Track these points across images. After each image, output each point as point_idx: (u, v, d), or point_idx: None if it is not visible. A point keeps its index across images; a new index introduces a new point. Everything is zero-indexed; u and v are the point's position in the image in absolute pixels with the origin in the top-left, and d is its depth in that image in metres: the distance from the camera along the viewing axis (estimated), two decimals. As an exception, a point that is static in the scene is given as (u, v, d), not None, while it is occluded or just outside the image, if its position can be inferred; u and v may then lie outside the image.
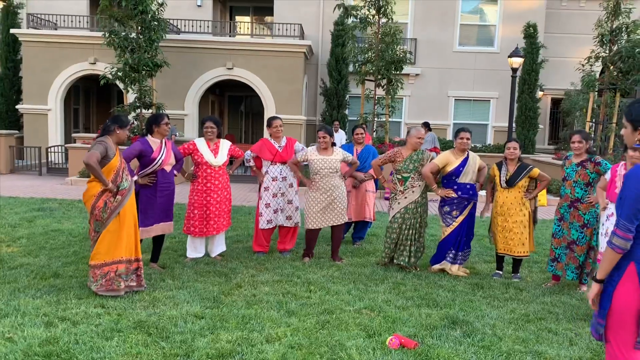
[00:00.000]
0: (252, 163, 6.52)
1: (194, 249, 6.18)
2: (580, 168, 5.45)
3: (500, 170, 5.84)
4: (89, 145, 5.00)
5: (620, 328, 2.66)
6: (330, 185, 6.10)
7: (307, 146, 14.16)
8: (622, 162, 4.92)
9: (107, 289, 4.74)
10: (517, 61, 14.31)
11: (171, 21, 16.36)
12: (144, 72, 13.60)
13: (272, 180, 6.38)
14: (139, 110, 13.89)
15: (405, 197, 5.95)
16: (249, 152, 6.53)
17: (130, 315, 4.32)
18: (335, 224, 6.22)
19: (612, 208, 5.00)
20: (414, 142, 6.00)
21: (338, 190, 6.15)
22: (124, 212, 4.78)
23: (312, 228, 6.19)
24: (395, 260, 6.05)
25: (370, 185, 7.17)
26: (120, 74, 13.41)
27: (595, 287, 2.67)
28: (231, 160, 6.51)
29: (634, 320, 2.62)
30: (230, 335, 3.98)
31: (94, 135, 17.05)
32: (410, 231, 5.94)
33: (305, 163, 6.28)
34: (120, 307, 4.51)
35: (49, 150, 15.36)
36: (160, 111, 13.70)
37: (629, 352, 2.66)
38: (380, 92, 14.86)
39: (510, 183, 5.72)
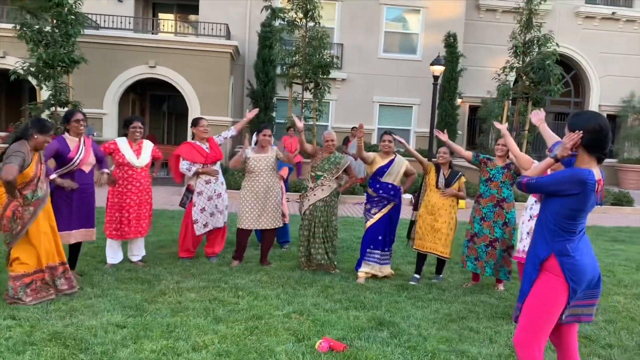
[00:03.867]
0: (192, 171, 6.13)
1: (113, 254, 5.92)
2: (506, 170, 5.75)
3: (438, 172, 6.02)
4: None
5: (541, 317, 2.86)
6: (264, 184, 6.08)
7: (234, 148, 13.99)
8: None
9: (35, 297, 4.45)
10: (439, 69, 14.86)
11: (90, 16, 15.60)
12: (59, 68, 12.84)
13: (206, 183, 6.22)
14: (53, 108, 13.13)
15: (315, 195, 6.05)
16: (186, 162, 6.13)
17: (44, 327, 4.05)
18: (268, 228, 6.18)
19: (536, 209, 5.30)
20: (324, 144, 6.13)
21: (272, 192, 6.14)
22: (37, 221, 4.48)
23: (244, 228, 6.11)
24: (314, 261, 6.09)
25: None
26: (33, 69, 12.61)
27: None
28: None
29: (556, 309, 2.83)
30: (155, 345, 3.83)
31: (3, 134, 15.94)
32: (320, 229, 6.03)
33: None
34: (34, 318, 4.22)
35: (-49, 149, 14.17)
36: (77, 109, 13.02)
37: (540, 339, 2.88)
38: (308, 95, 14.93)
39: (447, 186, 5.93)
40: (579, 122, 2.86)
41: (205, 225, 6.25)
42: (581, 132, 2.81)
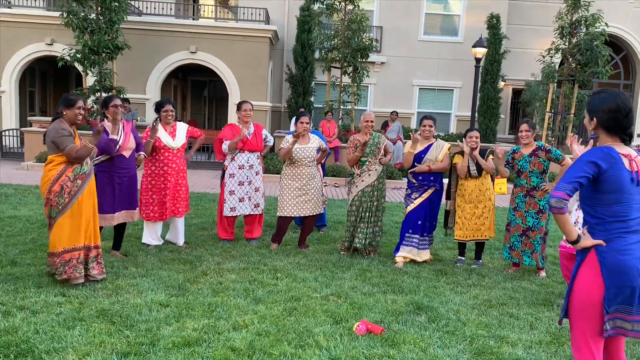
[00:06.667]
0: (226, 145, 6.22)
1: (152, 236, 6.08)
2: (533, 158, 5.58)
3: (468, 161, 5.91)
4: (45, 129, 4.79)
5: (580, 314, 2.70)
6: (306, 174, 6.13)
7: (272, 133, 14.11)
8: None
9: (69, 276, 4.59)
10: (481, 51, 14.52)
11: (132, 2, 15.90)
12: (104, 54, 13.20)
13: (239, 168, 6.30)
14: (98, 93, 13.51)
15: (363, 180, 6.04)
16: (227, 142, 6.21)
17: (92, 304, 4.22)
18: (310, 215, 6.23)
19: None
20: (361, 125, 6.11)
21: (314, 180, 6.19)
22: (82, 197, 4.61)
23: (285, 216, 6.18)
24: (352, 244, 6.11)
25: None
26: (79, 56, 12.98)
27: (581, 245, 2.70)
28: (189, 146, 6.41)
29: (593, 308, 2.67)
30: (197, 323, 3.93)
31: (51, 119, 16.49)
32: (367, 214, 6.02)
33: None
34: (82, 295, 4.39)
35: (4, 134, 14.78)
36: (122, 95, 13.36)
37: (588, 340, 2.71)
38: (346, 79, 14.86)
39: (480, 171, 5.82)
40: (596, 102, 2.72)
41: (232, 209, 6.31)
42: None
